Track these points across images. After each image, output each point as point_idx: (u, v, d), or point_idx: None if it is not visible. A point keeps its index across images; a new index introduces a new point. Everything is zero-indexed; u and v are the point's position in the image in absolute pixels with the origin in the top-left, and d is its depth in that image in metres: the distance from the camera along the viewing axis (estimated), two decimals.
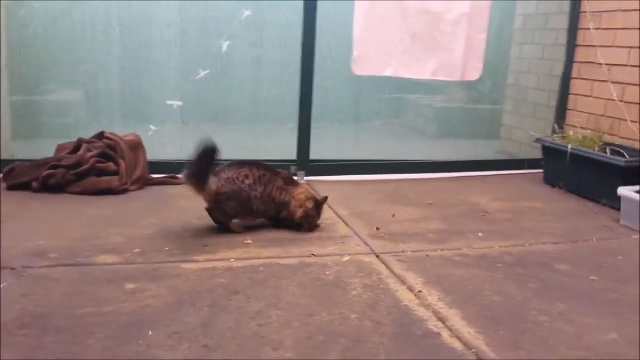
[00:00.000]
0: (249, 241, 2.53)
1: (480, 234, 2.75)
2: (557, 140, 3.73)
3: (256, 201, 2.62)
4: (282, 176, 2.72)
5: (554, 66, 4.19)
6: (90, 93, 3.71)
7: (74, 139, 3.29)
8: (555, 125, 4.00)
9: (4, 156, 3.34)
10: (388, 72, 3.74)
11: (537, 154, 3.96)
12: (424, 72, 3.79)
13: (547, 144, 3.75)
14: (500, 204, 3.30)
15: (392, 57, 3.70)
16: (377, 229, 2.77)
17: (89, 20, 3.56)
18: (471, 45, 3.79)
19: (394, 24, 3.64)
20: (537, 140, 3.83)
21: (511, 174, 4.05)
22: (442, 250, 2.53)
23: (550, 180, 3.76)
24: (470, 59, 3.82)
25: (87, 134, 3.33)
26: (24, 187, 3.07)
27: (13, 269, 2.12)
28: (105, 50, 3.60)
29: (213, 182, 2.55)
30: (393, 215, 3.00)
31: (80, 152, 3.16)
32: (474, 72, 3.89)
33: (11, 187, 3.08)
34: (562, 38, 4.09)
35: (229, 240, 2.53)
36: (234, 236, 2.57)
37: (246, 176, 2.62)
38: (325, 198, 2.76)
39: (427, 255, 2.46)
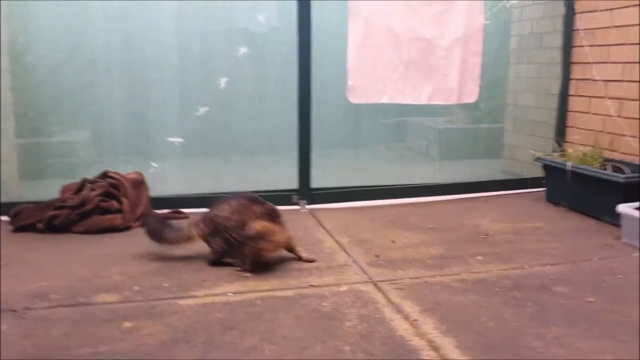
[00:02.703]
0: (248, 274, 2.55)
1: (479, 258, 2.74)
2: (557, 158, 3.72)
3: (235, 231, 2.57)
4: (266, 207, 2.65)
5: (551, 84, 4.20)
6: (94, 134, 3.82)
7: (79, 179, 3.37)
8: (555, 143, 4.00)
9: (11, 199, 3.43)
10: (384, 100, 3.79)
11: (540, 172, 3.96)
12: (420, 97, 3.83)
13: (547, 162, 3.75)
14: (502, 225, 3.30)
15: (387, 84, 3.75)
16: (377, 256, 2.78)
17: (91, 64, 3.69)
18: (466, 68, 3.84)
19: (387, 52, 3.71)
20: (538, 159, 3.83)
21: (514, 193, 4.05)
22: (440, 276, 2.53)
23: (553, 198, 3.74)
24: (467, 82, 3.86)
25: (92, 173, 3.41)
26: (30, 228, 3.14)
27: (14, 311, 2.16)
28: (108, 92, 3.71)
29: (194, 228, 2.64)
30: (393, 241, 3.01)
31: (84, 192, 3.23)
32: (471, 95, 3.92)
33: (17, 229, 3.16)
34: (558, 56, 4.12)
35: (228, 274, 2.56)
36: (233, 269, 2.60)
37: (223, 209, 2.64)
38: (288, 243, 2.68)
39: (425, 282, 2.46)
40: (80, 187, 3.27)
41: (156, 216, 2.65)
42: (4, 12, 3.52)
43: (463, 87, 3.89)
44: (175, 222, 2.85)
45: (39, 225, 3.11)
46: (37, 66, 3.64)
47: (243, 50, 3.66)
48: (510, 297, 2.29)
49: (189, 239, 2.69)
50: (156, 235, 2.72)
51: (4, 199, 3.41)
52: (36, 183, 3.70)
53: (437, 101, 3.91)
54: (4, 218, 3.30)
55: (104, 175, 3.36)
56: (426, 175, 4.17)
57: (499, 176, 4.45)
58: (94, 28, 3.69)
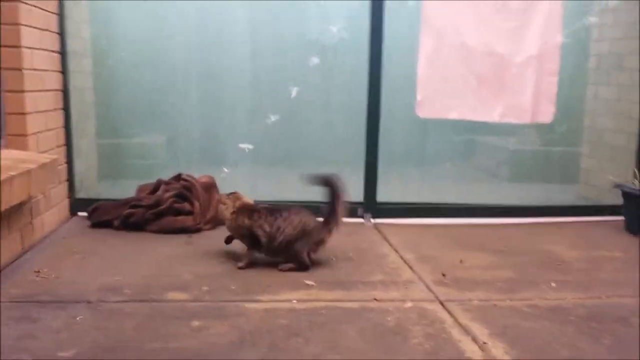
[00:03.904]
0: (312, 283, 2.55)
1: (553, 284, 2.63)
2: (637, 185, 3.53)
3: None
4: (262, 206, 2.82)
5: (631, 108, 4.00)
6: (170, 137, 3.95)
7: (154, 180, 3.50)
8: (636, 170, 3.79)
9: (90, 195, 3.60)
10: (453, 115, 3.72)
11: (618, 199, 3.76)
12: (491, 115, 3.74)
13: (626, 189, 3.56)
14: (577, 252, 3.15)
15: (458, 100, 3.69)
16: (443, 275, 2.72)
17: (169, 69, 3.84)
18: (542, 87, 3.72)
19: (459, 67, 3.64)
20: (616, 185, 3.65)
21: (590, 221, 3.86)
22: (511, 300, 2.44)
23: (632, 228, 3.54)
24: (542, 101, 3.73)
25: (166, 175, 3.53)
26: (106, 225, 3.28)
27: (89, 302, 2.25)
28: (184, 97, 3.84)
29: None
30: (461, 261, 2.94)
31: (159, 192, 3.35)
32: (546, 115, 3.79)
33: (95, 225, 3.31)
34: (638, 78, 3.91)
35: (292, 281, 2.57)
36: (297, 277, 2.61)
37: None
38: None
39: (495, 305, 2.38)
40: (156, 187, 3.40)
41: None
42: (87, 15, 3.73)
43: (538, 106, 3.77)
44: None
45: (115, 222, 3.25)
46: (118, 68, 3.82)
47: (314, 60, 3.71)
48: (585, 326, 2.18)
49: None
50: None
51: (83, 196, 3.59)
52: (114, 182, 3.87)
53: (510, 119, 3.80)
54: (83, 214, 3.46)
55: (178, 177, 3.47)
56: (495, 196, 4.05)
57: (574, 202, 4.26)
58: (173, 33, 3.83)
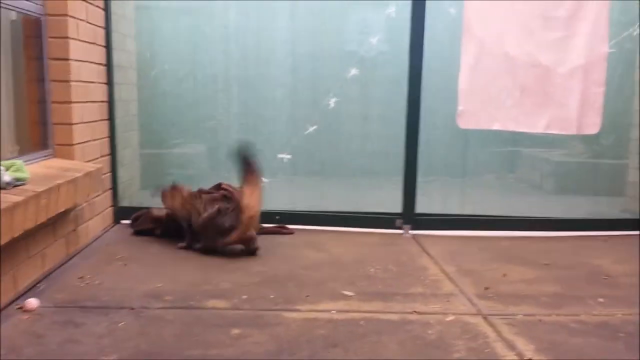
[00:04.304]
0: (351, 294, 2.53)
1: (600, 300, 2.53)
2: None
3: None
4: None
5: None
6: (210, 146, 4.01)
7: (195, 190, 3.53)
8: None
9: (132, 204, 3.67)
10: (496, 127, 3.65)
11: None
12: (535, 126, 3.65)
13: None
14: (625, 267, 3.03)
15: (500, 111, 3.62)
16: (486, 288, 2.65)
17: (211, 80, 3.91)
18: (587, 98, 3.61)
19: (501, 77, 3.58)
20: None
21: (636, 234, 3.71)
22: (557, 315, 2.36)
23: None
24: (587, 113, 3.63)
25: (207, 184, 3.57)
26: (148, 232, 3.34)
27: (132, 309, 2.28)
28: (225, 107, 3.90)
29: None
30: (504, 275, 2.86)
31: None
32: (592, 127, 3.67)
33: (137, 233, 3.37)
34: None
35: (330, 291, 2.55)
36: (336, 287, 2.59)
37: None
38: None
39: (540, 320, 2.30)
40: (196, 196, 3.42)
41: None
42: (133, 29, 3.84)
43: (583, 117, 3.66)
44: None
45: (156, 231, 3.30)
46: (161, 80, 3.91)
47: (353, 71, 3.71)
48: (635, 343, 2.08)
49: None
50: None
51: (126, 204, 3.67)
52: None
53: (555, 131, 3.71)
54: (126, 221, 3.53)
55: (218, 186, 3.48)
56: (539, 208, 3.95)
57: (620, 215, 4.11)
58: (214, 46, 3.91)
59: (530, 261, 3.10)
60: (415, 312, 2.35)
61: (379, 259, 3.05)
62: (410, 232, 3.63)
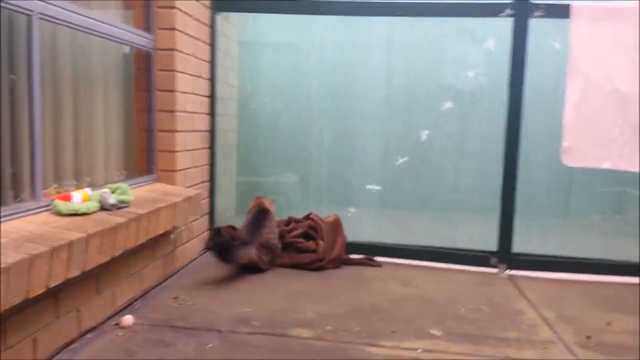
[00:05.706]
0: (439, 333, 2.43)
1: None
2: None
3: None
4: None
5: None
6: (303, 177, 4.10)
7: (286, 217, 3.63)
8: None
9: None
10: (605, 165, 3.41)
11: None
12: None
13: None
14: None
15: (612, 149, 3.38)
16: (588, 337, 2.45)
17: (306, 113, 4.03)
18: None
19: (611, 114, 3.36)
20: None
21: None
22: None
23: None
24: None
25: (297, 212, 3.64)
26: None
27: (220, 331, 2.34)
28: (317, 139, 3.99)
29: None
30: (608, 323, 2.64)
31: (286, 227, 3.49)
32: None
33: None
34: None
35: (417, 329, 2.47)
36: (423, 325, 2.51)
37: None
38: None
39: None
40: (287, 224, 3.52)
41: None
42: (236, 64, 4.04)
43: None
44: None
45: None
46: (260, 112, 4.07)
47: (447, 105, 3.65)
48: None
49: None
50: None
51: None
52: None
53: None
54: None
55: (307, 217, 3.56)
56: None
57: None
58: (310, 80, 4.03)
59: (636, 310, 2.83)
60: (508, 357, 2.22)
61: (471, 298, 2.93)
62: (506, 272, 3.45)
